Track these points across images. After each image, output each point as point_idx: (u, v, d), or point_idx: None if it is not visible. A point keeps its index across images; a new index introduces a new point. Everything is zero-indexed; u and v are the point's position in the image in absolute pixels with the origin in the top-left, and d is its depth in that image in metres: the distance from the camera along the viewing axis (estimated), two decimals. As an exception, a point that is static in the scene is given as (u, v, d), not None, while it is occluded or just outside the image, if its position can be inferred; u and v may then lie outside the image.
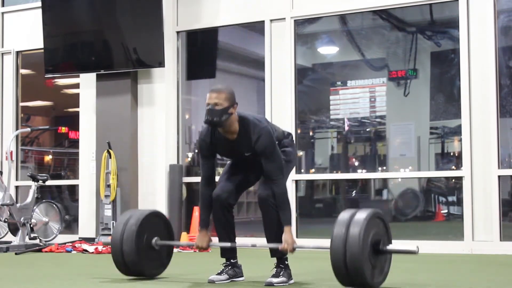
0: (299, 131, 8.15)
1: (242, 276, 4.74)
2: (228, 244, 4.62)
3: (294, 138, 4.91)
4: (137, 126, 8.41)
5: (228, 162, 4.80)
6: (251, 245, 4.74)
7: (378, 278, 4.12)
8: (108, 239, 7.71)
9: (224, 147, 4.54)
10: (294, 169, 7.68)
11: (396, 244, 4.26)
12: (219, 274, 4.64)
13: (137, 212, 4.83)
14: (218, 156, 4.68)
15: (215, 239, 4.69)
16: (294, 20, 7.91)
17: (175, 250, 7.46)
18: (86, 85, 8.76)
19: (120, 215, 4.80)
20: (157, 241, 4.77)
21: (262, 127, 4.43)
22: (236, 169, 4.71)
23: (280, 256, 4.55)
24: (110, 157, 8.08)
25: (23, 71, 9.54)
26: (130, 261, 4.67)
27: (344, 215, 4.07)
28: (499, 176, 6.87)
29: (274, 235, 4.52)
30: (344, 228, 3.97)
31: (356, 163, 9.01)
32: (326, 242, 4.09)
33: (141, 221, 4.68)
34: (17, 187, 9.20)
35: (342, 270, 3.96)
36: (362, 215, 4.02)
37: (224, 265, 4.70)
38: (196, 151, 8.80)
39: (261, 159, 4.43)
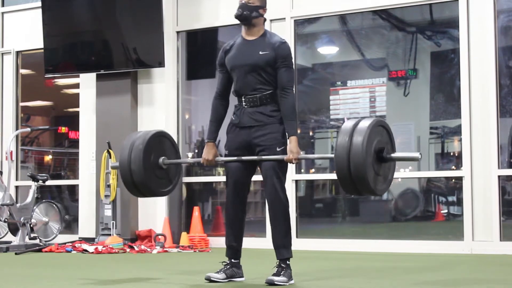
0: (299, 131, 8.15)
1: (242, 277, 4.73)
2: (234, 158, 4.61)
3: None
4: (137, 126, 8.41)
5: (225, 152, 4.77)
6: (257, 157, 4.66)
7: (382, 185, 4.16)
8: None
9: (239, 48, 4.64)
10: (294, 169, 7.71)
11: (399, 152, 4.30)
12: (217, 272, 4.64)
13: (142, 133, 4.84)
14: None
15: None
16: (294, 20, 7.91)
17: (174, 250, 7.48)
18: (86, 85, 8.77)
19: (126, 138, 4.81)
20: (164, 160, 4.77)
21: (285, 41, 4.65)
22: (236, 151, 4.67)
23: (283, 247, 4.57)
24: (110, 157, 8.08)
25: (23, 71, 9.54)
26: (138, 181, 4.66)
27: (347, 124, 4.10)
28: (499, 176, 6.87)
29: (281, 229, 4.55)
30: (348, 137, 4.00)
31: (356, 163, 8.98)
32: (330, 154, 4.14)
33: (147, 141, 4.68)
34: (17, 187, 9.19)
35: (346, 178, 4.00)
36: (365, 123, 4.05)
37: (224, 263, 4.71)
38: (196, 151, 8.81)
39: (278, 66, 4.53)
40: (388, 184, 4.25)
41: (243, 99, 4.64)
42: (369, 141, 3.99)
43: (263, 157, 4.53)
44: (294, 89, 4.60)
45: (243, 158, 4.59)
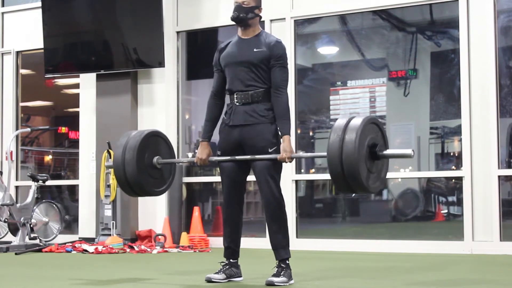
0: (299, 131, 8.16)
1: (241, 277, 4.74)
2: (227, 158, 4.61)
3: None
4: (137, 126, 8.41)
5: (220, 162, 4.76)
6: (250, 156, 4.64)
7: (375, 182, 4.13)
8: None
9: (234, 46, 4.67)
10: (294, 169, 7.71)
11: (391, 149, 4.28)
12: (217, 273, 4.65)
13: (136, 133, 4.83)
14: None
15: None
16: (294, 20, 7.91)
17: (174, 250, 7.48)
18: (86, 85, 8.77)
19: (119, 138, 4.84)
20: (159, 160, 4.77)
21: (281, 41, 4.67)
22: (229, 150, 4.67)
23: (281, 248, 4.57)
24: (110, 157, 8.07)
25: (23, 71, 9.54)
26: (132, 180, 4.67)
27: (340, 122, 4.10)
28: (499, 176, 6.87)
29: (278, 229, 4.56)
30: (340, 134, 3.99)
31: (356, 163, 8.97)
32: (323, 153, 4.15)
33: (141, 140, 4.69)
34: (17, 187, 9.20)
35: (339, 175, 3.99)
36: (357, 121, 4.05)
37: (222, 264, 4.71)
38: (196, 151, 8.79)
39: (272, 65, 4.55)
40: (381, 182, 4.22)
41: (235, 96, 4.63)
42: (362, 138, 3.98)
43: (257, 156, 4.54)
44: (288, 88, 4.61)
45: (237, 158, 4.60)
